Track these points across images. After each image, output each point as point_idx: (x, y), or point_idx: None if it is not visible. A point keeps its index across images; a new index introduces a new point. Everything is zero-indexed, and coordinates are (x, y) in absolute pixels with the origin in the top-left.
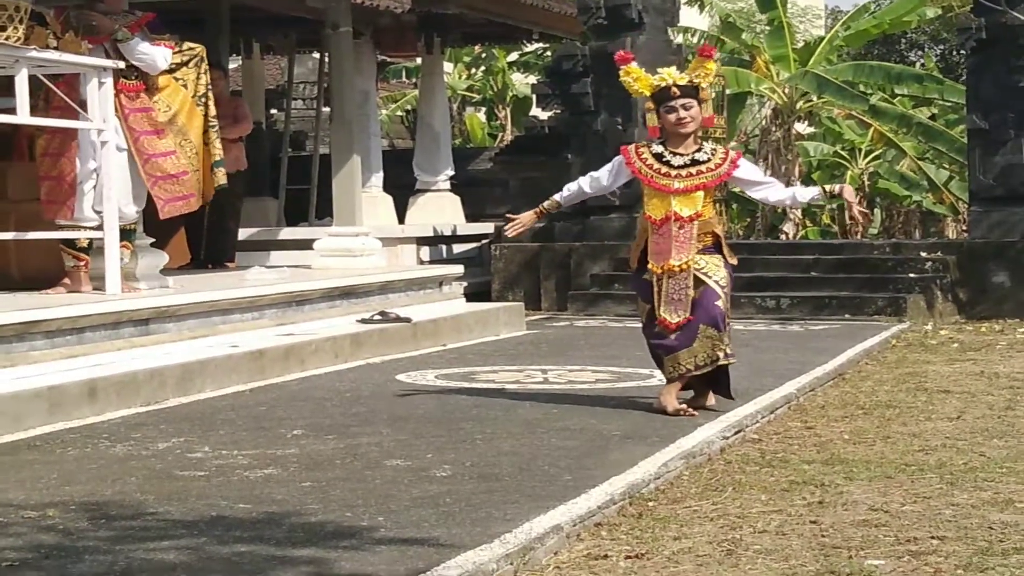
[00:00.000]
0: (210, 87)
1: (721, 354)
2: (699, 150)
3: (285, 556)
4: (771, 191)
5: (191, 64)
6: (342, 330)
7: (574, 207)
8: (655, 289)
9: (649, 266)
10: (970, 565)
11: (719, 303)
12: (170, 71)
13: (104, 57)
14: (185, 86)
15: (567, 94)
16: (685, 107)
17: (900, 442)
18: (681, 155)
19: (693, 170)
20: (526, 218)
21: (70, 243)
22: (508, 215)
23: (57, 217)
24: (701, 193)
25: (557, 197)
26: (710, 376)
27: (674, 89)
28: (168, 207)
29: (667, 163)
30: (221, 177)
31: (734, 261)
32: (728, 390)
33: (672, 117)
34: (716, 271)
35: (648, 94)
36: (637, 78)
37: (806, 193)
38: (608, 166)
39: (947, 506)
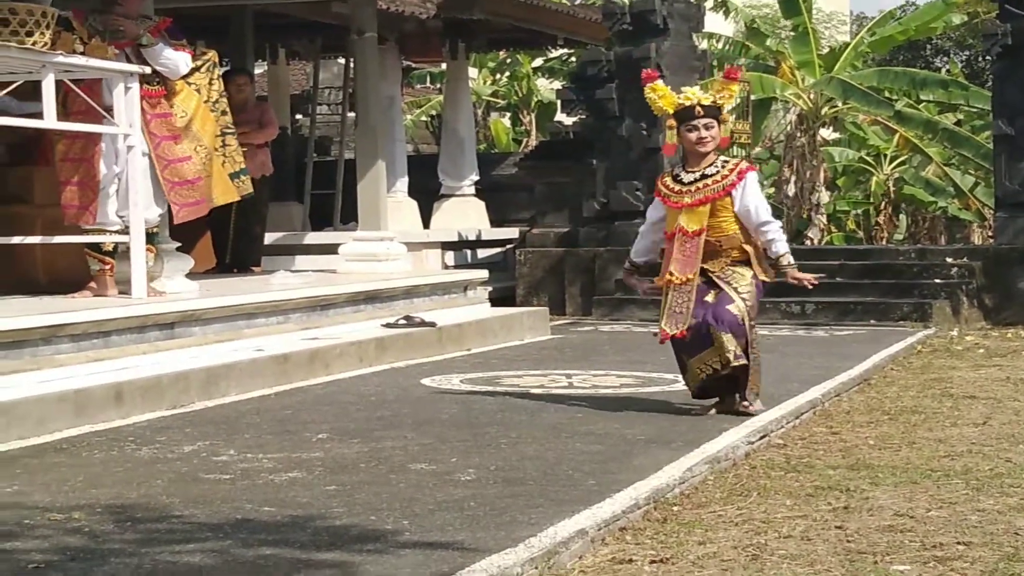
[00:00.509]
0: (224, 92)
1: (731, 355)
2: (711, 165)
3: (310, 559)
4: (760, 234)
5: (203, 69)
6: (367, 334)
7: (598, 213)
8: (662, 301)
9: (656, 279)
10: (996, 571)
11: (731, 307)
12: (183, 76)
13: (126, 62)
14: (198, 91)
15: (592, 99)
16: (707, 127)
17: (926, 448)
18: (693, 172)
19: (700, 184)
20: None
21: (95, 247)
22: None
23: (81, 221)
24: (707, 207)
25: (631, 258)
26: (733, 379)
27: (698, 108)
28: (183, 212)
29: (680, 181)
30: (247, 185)
31: (764, 278)
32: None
33: (693, 136)
34: (739, 281)
35: (671, 112)
36: (662, 96)
37: (773, 251)
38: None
39: (973, 512)
